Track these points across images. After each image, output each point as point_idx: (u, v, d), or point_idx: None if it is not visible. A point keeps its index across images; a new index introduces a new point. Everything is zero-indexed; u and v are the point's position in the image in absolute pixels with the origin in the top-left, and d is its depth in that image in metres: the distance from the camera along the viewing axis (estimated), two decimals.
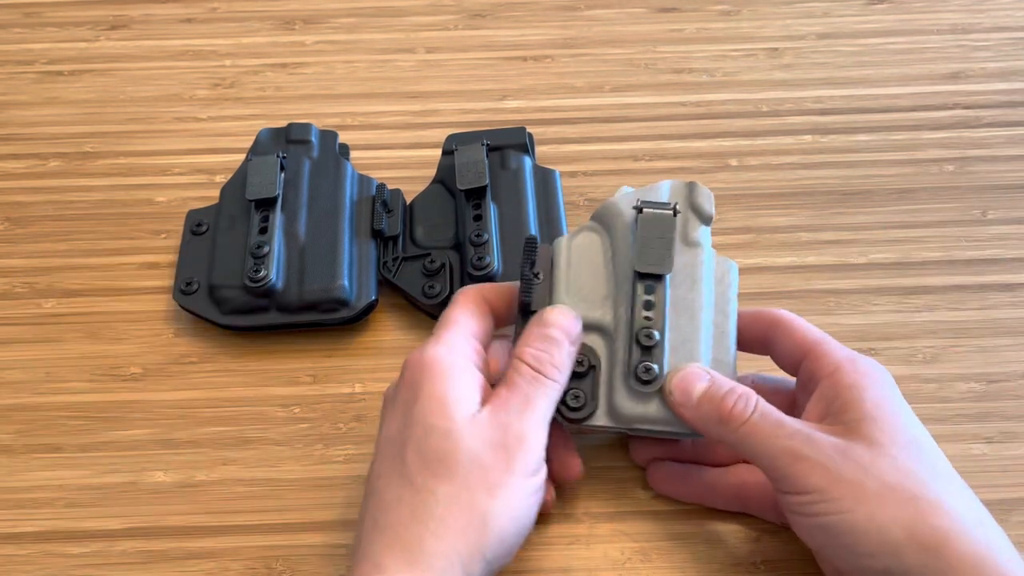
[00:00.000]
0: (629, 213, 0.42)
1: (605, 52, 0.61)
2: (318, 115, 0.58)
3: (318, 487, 0.44)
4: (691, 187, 0.43)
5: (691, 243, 0.42)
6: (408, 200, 0.53)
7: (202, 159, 0.56)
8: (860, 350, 0.40)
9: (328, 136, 0.55)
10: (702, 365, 0.40)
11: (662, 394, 0.40)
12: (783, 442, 0.36)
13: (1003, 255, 0.51)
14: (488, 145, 0.53)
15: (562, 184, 0.53)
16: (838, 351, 0.39)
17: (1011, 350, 0.48)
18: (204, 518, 0.43)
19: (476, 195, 0.51)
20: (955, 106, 0.58)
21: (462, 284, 0.48)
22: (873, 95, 0.58)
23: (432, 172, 0.54)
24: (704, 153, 0.56)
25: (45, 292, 0.51)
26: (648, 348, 0.40)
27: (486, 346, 0.41)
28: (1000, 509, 0.41)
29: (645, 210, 0.41)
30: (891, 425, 0.36)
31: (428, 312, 0.49)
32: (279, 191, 0.50)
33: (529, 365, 0.39)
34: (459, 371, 0.38)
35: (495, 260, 0.48)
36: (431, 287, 0.48)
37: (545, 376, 0.39)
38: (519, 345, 0.40)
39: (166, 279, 0.51)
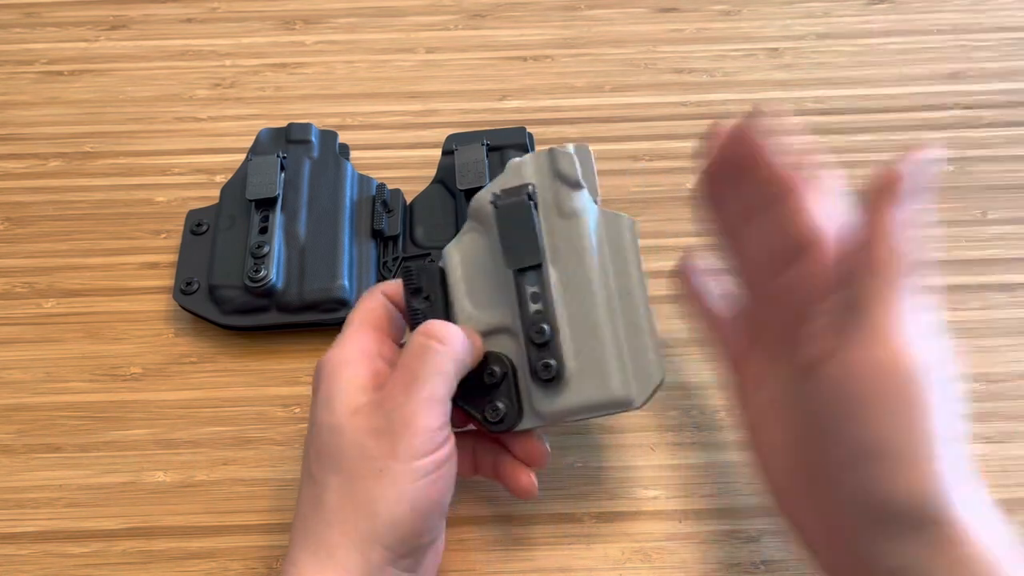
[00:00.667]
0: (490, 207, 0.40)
1: (605, 52, 0.61)
2: (318, 115, 0.58)
3: None
4: (551, 155, 0.40)
5: (567, 214, 0.40)
6: (408, 200, 0.53)
7: (202, 159, 0.56)
8: None
9: (328, 136, 0.55)
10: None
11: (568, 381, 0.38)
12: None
13: (1003, 255, 0.51)
14: (488, 145, 0.53)
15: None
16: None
17: (1011, 350, 0.48)
18: (204, 518, 0.43)
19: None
20: (955, 106, 0.58)
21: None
22: (873, 95, 0.58)
23: (432, 172, 0.54)
24: None
25: (45, 292, 0.51)
26: (543, 344, 0.38)
27: (395, 334, 0.40)
28: (1000, 509, 0.41)
29: (499, 203, 0.39)
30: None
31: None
32: (279, 191, 0.50)
33: (419, 336, 0.37)
34: (349, 367, 0.37)
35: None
36: None
37: (436, 341, 0.37)
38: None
39: (166, 279, 0.51)
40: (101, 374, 0.48)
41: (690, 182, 0.54)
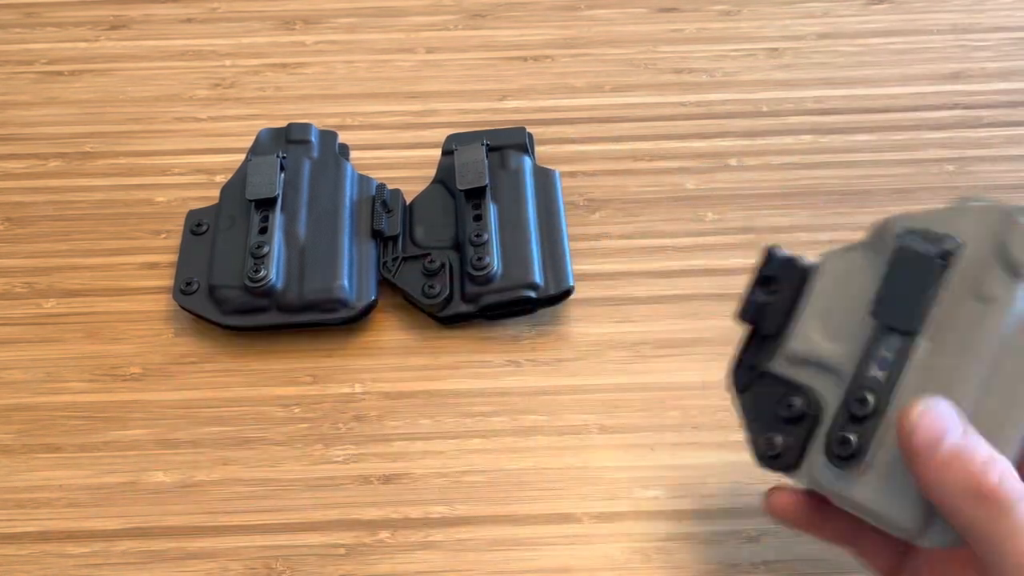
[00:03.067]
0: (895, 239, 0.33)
1: (605, 52, 0.61)
2: (318, 115, 0.58)
3: (318, 487, 0.44)
4: (1007, 222, 0.31)
5: (982, 298, 0.31)
6: (408, 200, 0.53)
7: (202, 159, 0.56)
8: None
9: (328, 136, 0.55)
10: (952, 406, 0.30)
11: (895, 429, 0.31)
12: None
13: None
14: (488, 145, 0.53)
15: (562, 184, 0.53)
16: None
17: None
18: (204, 518, 0.43)
19: (476, 195, 0.51)
20: (955, 106, 0.58)
21: (462, 284, 0.48)
22: (873, 95, 0.58)
23: (432, 172, 0.54)
24: (704, 153, 0.56)
25: (45, 292, 0.51)
26: (859, 418, 0.32)
27: None
28: None
29: (905, 242, 0.32)
30: None
31: (428, 312, 0.49)
32: (279, 191, 0.50)
33: None
34: None
35: (495, 260, 0.48)
36: (431, 287, 0.48)
37: None
38: None
39: (166, 279, 0.51)
40: (101, 374, 0.48)
41: (690, 182, 0.54)
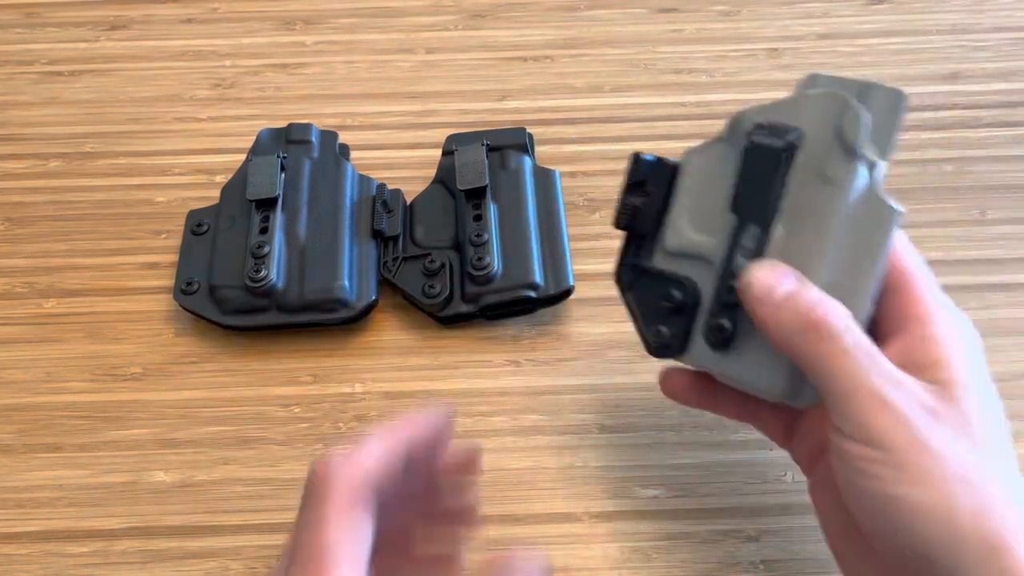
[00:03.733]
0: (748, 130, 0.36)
1: (605, 52, 0.61)
2: (318, 115, 0.58)
3: None
4: (842, 105, 0.34)
5: (827, 180, 0.34)
6: (408, 200, 0.53)
7: (202, 159, 0.56)
8: None
9: (328, 136, 0.55)
10: (787, 267, 0.34)
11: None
12: (872, 380, 0.32)
13: (1003, 255, 0.51)
14: (488, 145, 0.53)
15: (562, 184, 0.53)
16: (933, 296, 0.34)
17: (1011, 350, 0.48)
18: (204, 518, 0.43)
19: (476, 195, 0.51)
20: (954, 106, 0.58)
21: (462, 284, 0.48)
22: None
23: (432, 172, 0.54)
24: None
25: (45, 292, 0.51)
26: (731, 305, 0.35)
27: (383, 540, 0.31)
28: None
29: (754, 139, 0.35)
30: (981, 403, 0.32)
31: (428, 312, 0.49)
32: (279, 191, 0.50)
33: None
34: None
35: (495, 260, 0.48)
36: (431, 287, 0.48)
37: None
38: None
39: (166, 279, 0.51)
40: (101, 374, 0.48)
41: None
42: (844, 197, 0.34)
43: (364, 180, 0.53)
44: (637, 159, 0.38)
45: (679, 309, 0.37)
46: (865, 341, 0.32)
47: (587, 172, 0.55)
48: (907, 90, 0.58)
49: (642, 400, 0.46)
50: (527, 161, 0.53)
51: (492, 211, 0.50)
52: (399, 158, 0.56)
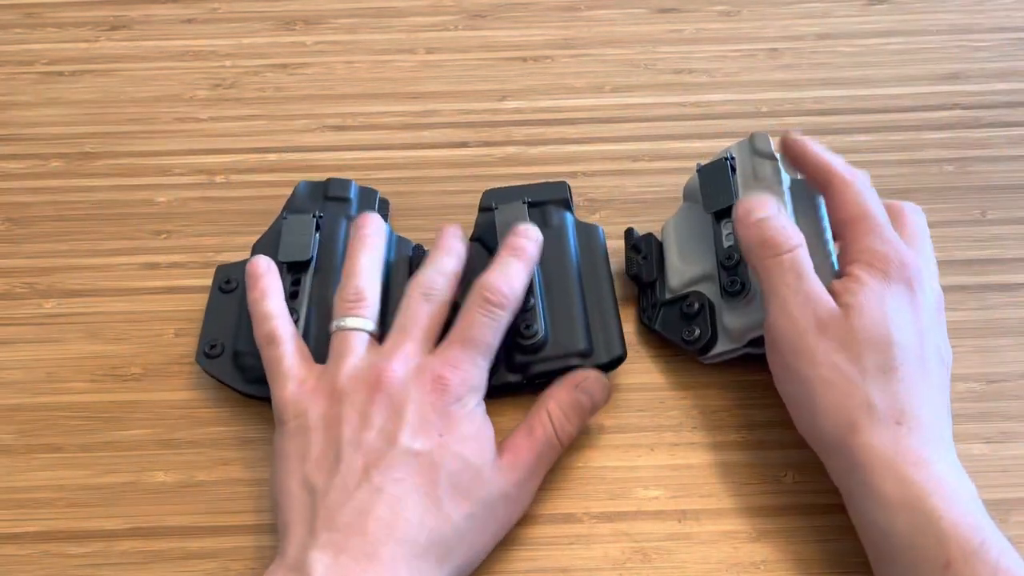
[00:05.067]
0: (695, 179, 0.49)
1: (605, 52, 0.61)
2: (318, 115, 0.58)
3: None
4: (751, 138, 0.48)
5: (760, 179, 0.46)
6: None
7: (202, 159, 0.56)
8: None
9: (367, 194, 0.51)
10: (777, 201, 0.44)
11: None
12: (785, 292, 0.40)
13: (1003, 255, 0.51)
14: (528, 202, 0.49)
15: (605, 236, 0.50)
16: (875, 238, 0.41)
17: (1011, 350, 0.48)
18: (204, 518, 0.43)
19: None
20: (955, 106, 0.58)
21: (507, 353, 0.45)
22: (873, 95, 0.58)
23: (431, 173, 0.54)
24: (704, 153, 0.55)
25: (46, 292, 0.51)
26: (733, 267, 0.45)
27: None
28: (1000, 509, 0.41)
29: (701, 167, 0.49)
30: (873, 323, 0.39)
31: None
32: (313, 253, 0.47)
33: (555, 429, 0.42)
34: (481, 408, 0.41)
35: (542, 326, 0.45)
36: None
37: (561, 445, 0.42)
38: (552, 398, 0.43)
39: (166, 279, 0.51)
40: (101, 374, 0.48)
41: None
42: (780, 186, 0.46)
43: (402, 242, 0.49)
44: (629, 233, 0.50)
45: (698, 314, 0.46)
46: (801, 264, 0.41)
47: (587, 172, 0.55)
48: (907, 90, 0.59)
49: (642, 400, 0.46)
50: (569, 218, 0.49)
51: (536, 273, 0.46)
52: (399, 158, 0.56)
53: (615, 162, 0.56)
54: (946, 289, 0.47)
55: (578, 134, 0.57)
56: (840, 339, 0.39)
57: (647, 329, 0.48)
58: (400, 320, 0.42)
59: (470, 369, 0.41)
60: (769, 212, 0.42)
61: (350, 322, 0.42)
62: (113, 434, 0.46)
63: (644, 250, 0.49)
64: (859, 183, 0.43)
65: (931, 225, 0.52)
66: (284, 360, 0.42)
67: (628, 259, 0.49)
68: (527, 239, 0.44)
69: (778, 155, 0.47)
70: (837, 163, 0.44)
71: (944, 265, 0.51)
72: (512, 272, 0.43)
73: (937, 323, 0.41)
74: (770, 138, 0.47)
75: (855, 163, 0.55)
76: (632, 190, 0.54)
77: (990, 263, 0.51)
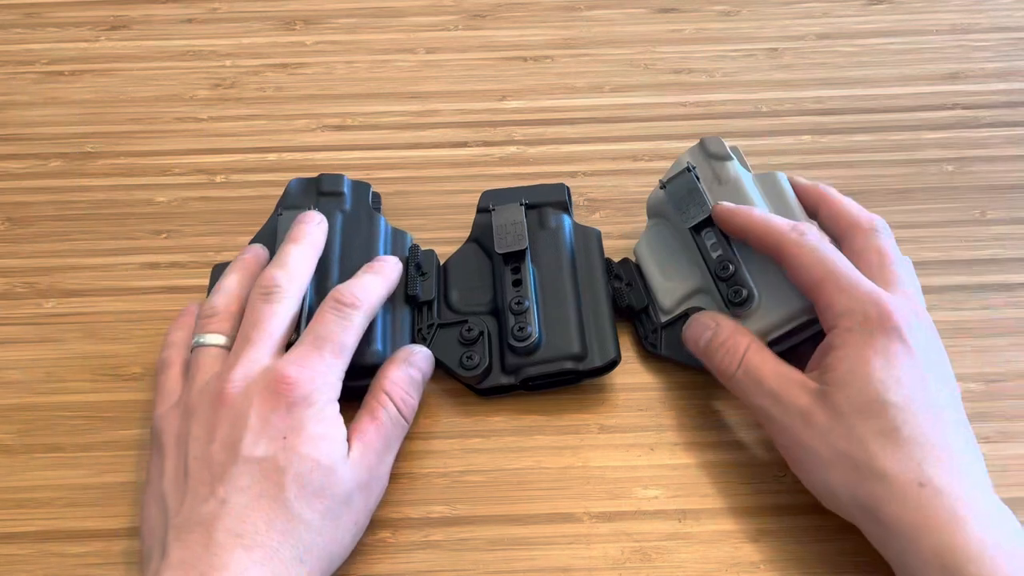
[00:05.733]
0: (660, 194, 0.49)
1: (605, 52, 0.61)
2: (318, 115, 0.58)
3: None
4: (702, 143, 0.48)
5: (724, 181, 0.47)
6: (441, 260, 0.50)
7: (202, 159, 0.56)
8: None
9: (360, 188, 0.51)
10: (713, 313, 0.44)
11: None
12: (758, 400, 0.41)
13: (1002, 255, 0.51)
14: (526, 204, 0.50)
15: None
16: (846, 297, 0.39)
17: (1010, 350, 0.48)
18: None
19: (515, 259, 0.47)
20: (955, 106, 0.58)
21: (501, 355, 0.46)
22: (873, 95, 0.58)
23: (431, 172, 0.54)
24: None
25: (45, 292, 0.51)
26: (731, 276, 0.44)
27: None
28: None
29: (667, 183, 0.48)
30: (859, 392, 0.38)
31: (466, 383, 0.46)
32: None
33: (397, 408, 0.42)
34: (332, 407, 0.40)
35: (536, 329, 0.45)
36: (469, 357, 0.45)
37: (407, 421, 0.43)
38: (386, 379, 0.43)
39: (166, 279, 0.51)
40: (101, 374, 0.48)
41: None
42: (742, 180, 0.47)
43: (398, 235, 0.50)
44: (608, 263, 0.49)
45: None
46: (754, 369, 0.41)
47: (587, 172, 0.55)
48: (907, 90, 0.59)
49: (642, 400, 0.46)
50: (567, 220, 0.50)
51: (531, 275, 0.47)
52: (399, 158, 0.56)
53: (615, 162, 0.56)
54: (946, 289, 0.47)
55: (578, 134, 0.57)
56: (827, 419, 0.38)
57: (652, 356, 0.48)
58: (242, 327, 0.42)
59: (318, 366, 0.40)
60: (708, 332, 0.43)
61: (203, 339, 0.43)
62: (113, 434, 0.46)
63: (625, 276, 0.48)
64: (808, 240, 0.41)
65: (931, 225, 0.53)
66: (163, 384, 0.43)
67: (616, 291, 0.48)
68: (311, 222, 0.46)
69: (732, 154, 0.48)
70: (781, 226, 0.42)
71: (944, 265, 0.51)
72: (366, 278, 0.44)
73: (936, 359, 0.40)
74: (719, 138, 0.48)
75: (855, 163, 0.55)
76: (632, 190, 0.54)
77: (990, 263, 0.51)
